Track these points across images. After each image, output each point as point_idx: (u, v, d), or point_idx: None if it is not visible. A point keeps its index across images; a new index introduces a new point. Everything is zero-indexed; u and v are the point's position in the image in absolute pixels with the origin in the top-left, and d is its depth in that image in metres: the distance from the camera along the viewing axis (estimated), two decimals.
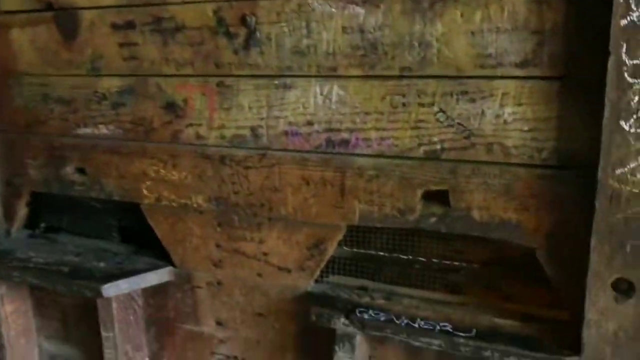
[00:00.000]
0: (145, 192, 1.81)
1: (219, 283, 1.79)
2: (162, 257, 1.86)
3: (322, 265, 1.63)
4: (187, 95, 1.67)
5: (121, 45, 1.71)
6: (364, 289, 1.67)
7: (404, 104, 1.44)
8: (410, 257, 1.64)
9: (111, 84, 1.76)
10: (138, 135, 1.76)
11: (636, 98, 1.14)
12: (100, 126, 1.81)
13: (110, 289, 1.68)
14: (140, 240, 1.99)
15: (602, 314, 1.29)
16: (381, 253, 1.67)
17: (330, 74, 1.49)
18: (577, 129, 1.30)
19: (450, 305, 1.57)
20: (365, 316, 1.49)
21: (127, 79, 1.74)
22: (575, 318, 1.37)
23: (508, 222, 1.41)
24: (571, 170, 1.32)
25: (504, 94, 1.35)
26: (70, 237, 2.09)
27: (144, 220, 1.87)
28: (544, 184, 1.35)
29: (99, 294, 1.68)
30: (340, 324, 1.50)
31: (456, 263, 1.61)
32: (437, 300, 1.61)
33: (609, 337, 1.30)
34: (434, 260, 1.62)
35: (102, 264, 1.83)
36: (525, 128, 1.34)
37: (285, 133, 1.57)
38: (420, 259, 1.63)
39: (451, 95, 1.39)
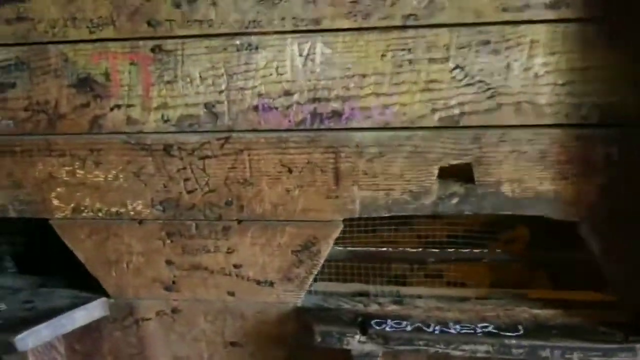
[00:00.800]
0: (55, 202, 1.60)
1: (175, 310, 1.65)
2: (85, 286, 1.68)
3: (315, 271, 1.56)
4: (108, 66, 1.47)
5: (2, 1, 1.46)
6: (364, 294, 1.63)
7: (410, 61, 1.38)
8: (420, 249, 1.62)
9: None
10: (39, 127, 1.54)
11: None
12: None
13: (28, 340, 1.48)
14: (44, 268, 1.79)
15: None
16: (384, 248, 1.63)
17: (311, 28, 1.39)
18: (621, 78, 1.31)
19: (474, 302, 1.58)
20: (387, 328, 1.45)
21: (14, 50, 1.50)
22: (629, 298, 1.43)
23: (544, 194, 1.42)
24: (616, 127, 1.35)
25: (533, 42, 1.33)
26: None
27: (51, 240, 1.67)
28: (585, 146, 1.37)
29: (11, 348, 1.47)
30: (356, 342, 1.44)
31: (475, 250, 1.61)
32: (455, 297, 1.61)
33: None
34: (449, 249, 1.61)
35: (1, 307, 1.61)
36: (560, 81, 1.34)
37: (255, 108, 1.45)
38: (433, 250, 1.61)
39: (469, 46, 1.36)
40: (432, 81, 1.38)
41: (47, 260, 1.77)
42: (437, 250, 1.61)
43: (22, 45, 1.49)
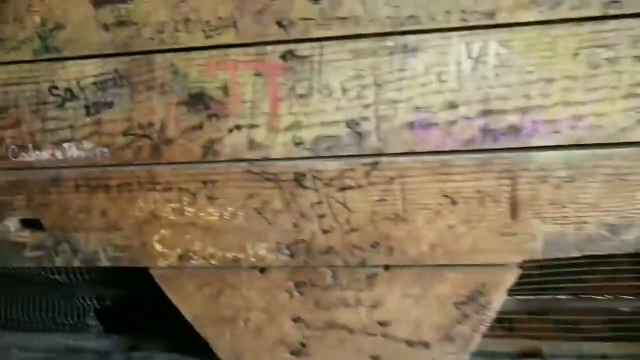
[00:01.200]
0: (158, 247, 1.34)
1: None
2: (187, 348, 1.40)
3: (483, 328, 1.26)
4: (227, 78, 1.22)
5: (99, 2, 1.23)
6: (536, 354, 1.32)
7: (610, 60, 1.11)
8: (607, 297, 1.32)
9: (83, 72, 1.28)
10: (140, 155, 1.29)
11: None
12: (67, 145, 1.31)
13: None
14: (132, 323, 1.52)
15: None
16: (562, 297, 1.33)
17: (484, 23, 1.12)
18: None
19: None
20: None
21: (113, 62, 1.26)
22: None
23: None
24: None
25: None
26: (10, 335, 1.55)
27: (140, 291, 1.40)
28: None
29: None
30: None
31: None
32: None
33: None
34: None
35: None
36: None
37: (410, 125, 1.18)
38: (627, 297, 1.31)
39: None
40: (638, 85, 1.09)
41: (140, 316, 1.48)
42: (632, 297, 1.29)
43: (122, 55, 1.25)
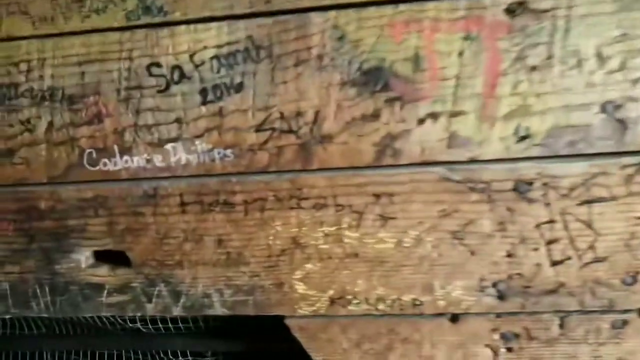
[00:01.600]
0: (301, 288, 0.95)
1: None
2: None
3: None
4: (420, 45, 0.83)
5: None
6: None
7: None
8: None
9: (200, 42, 0.88)
10: (281, 158, 0.89)
11: None
12: (171, 147, 0.90)
13: None
14: None
15: None
16: None
17: None
18: None
19: None
20: None
21: (245, 26, 0.85)
22: None
23: None
24: None
25: None
26: None
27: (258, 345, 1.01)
28: None
29: None
30: None
31: None
32: None
33: None
34: None
35: None
36: None
37: None
38: None
39: None
40: None
41: None
42: None
43: (259, 16, 0.84)
